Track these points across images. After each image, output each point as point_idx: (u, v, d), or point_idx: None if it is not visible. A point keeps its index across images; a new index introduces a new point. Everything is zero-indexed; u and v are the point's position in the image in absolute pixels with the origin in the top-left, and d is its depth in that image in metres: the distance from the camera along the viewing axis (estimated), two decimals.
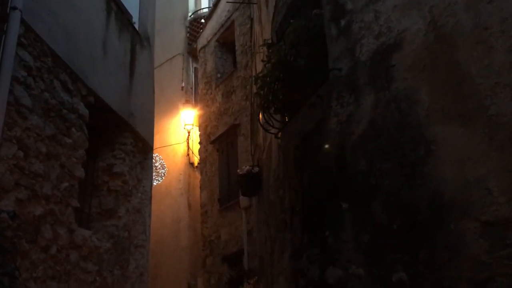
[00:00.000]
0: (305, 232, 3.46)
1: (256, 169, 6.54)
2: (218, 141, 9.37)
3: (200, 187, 10.00)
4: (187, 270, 10.47)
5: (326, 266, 2.92)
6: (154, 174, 10.65)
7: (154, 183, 10.62)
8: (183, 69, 12.02)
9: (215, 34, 10.30)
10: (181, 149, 11.45)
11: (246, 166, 6.66)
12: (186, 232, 10.83)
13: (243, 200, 7.90)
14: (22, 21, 3.43)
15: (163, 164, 10.56)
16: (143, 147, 5.87)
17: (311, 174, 3.34)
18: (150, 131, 6.06)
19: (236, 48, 9.26)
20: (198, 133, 10.80)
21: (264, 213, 6.44)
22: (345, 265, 2.67)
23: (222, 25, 9.99)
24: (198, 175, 10.73)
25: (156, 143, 12.02)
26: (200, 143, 10.36)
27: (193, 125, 11.22)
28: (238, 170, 6.65)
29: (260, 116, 3.93)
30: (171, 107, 11.82)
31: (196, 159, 11.07)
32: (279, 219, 4.73)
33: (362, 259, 2.52)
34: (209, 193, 9.51)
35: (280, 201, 4.60)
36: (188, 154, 11.25)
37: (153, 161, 10.49)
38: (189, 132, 11.21)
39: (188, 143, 11.27)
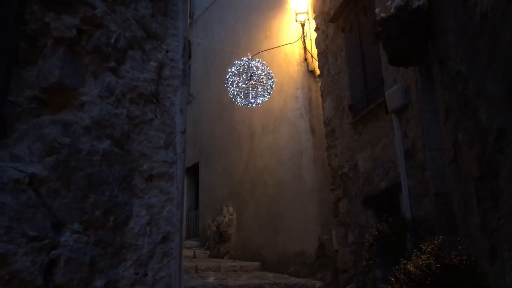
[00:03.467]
0: None
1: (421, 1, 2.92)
2: (342, 15, 5.74)
3: (322, 95, 6.57)
4: (316, 220, 7.31)
5: None
6: (260, 89, 7.54)
7: (259, 101, 7.51)
8: None
9: None
10: (296, 53, 8.05)
11: (393, 1, 3.07)
12: (311, 168, 7.58)
13: (393, 96, 4.34)
14: None
15: (269, 73, 7.32)
16: None
17: None
18: None
19: None
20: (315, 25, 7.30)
21: (446, 95, 2.84)
22: None
23: None
24: None
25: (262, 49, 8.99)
26: (316, 29, 6.85)
27: (307, 14, 7.71)
28: (377, 10, 3.09)
29: None
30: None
31: (317, 65, 7.62)
32: None
33: None
34: (335, 101, 6.04)
35: None
36: (305, 59, 7.84)
37: (255, 68, 7.37)
38: (303, 25, 7.75)
39: (304, 42, 7.83)
